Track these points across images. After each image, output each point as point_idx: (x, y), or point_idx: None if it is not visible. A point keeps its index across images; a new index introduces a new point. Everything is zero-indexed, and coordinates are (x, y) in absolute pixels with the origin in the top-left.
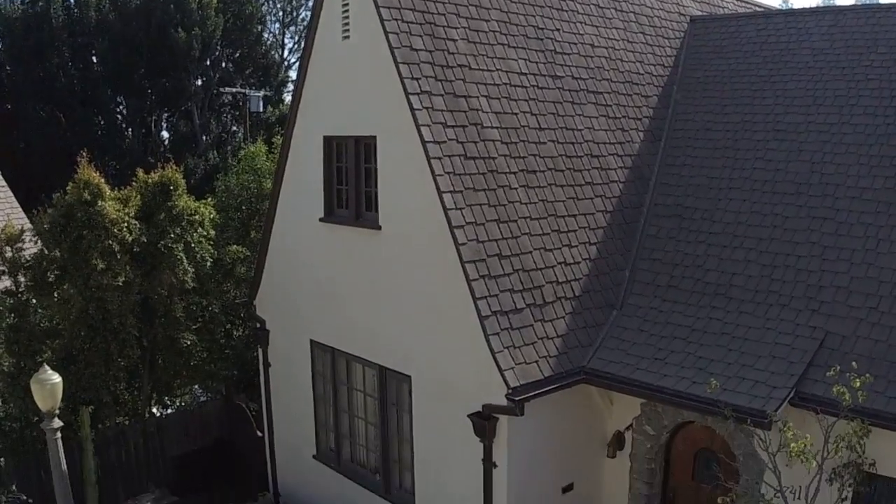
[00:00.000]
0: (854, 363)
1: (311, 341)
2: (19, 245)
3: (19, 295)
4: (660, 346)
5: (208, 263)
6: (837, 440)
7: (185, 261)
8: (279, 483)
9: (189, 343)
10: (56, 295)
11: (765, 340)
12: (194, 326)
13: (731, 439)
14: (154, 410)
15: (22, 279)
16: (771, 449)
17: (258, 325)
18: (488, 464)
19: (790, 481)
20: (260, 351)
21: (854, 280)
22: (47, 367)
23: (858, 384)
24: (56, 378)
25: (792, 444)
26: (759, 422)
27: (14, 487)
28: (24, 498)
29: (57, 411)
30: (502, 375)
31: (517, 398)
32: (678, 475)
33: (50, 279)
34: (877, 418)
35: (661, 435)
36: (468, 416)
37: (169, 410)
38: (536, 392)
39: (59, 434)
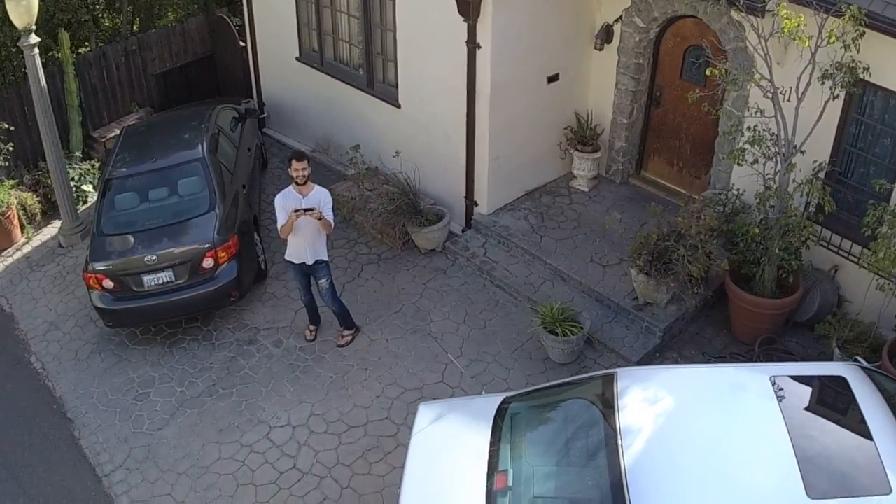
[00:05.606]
0: None
1: None
2: None
3: None
4: None
5: None
6: (832, 33)
7: None
8: (262, 90)
9: None
10: None
11: None
12: None
13: (722, 34)
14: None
15: None
16: (763, 34)
17: None
18: (472, 45)
19: (780, 81)
20: None
21: None
22: None
23: None
24: None
25: (785, 21)
26: (752, 6)
27: None
28: None
29: (33, 27)
30: None
31: None
32: (665, 73)
33: None
34: (873, 20)
35: (650, 28)
36: None
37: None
38: None
39: (36, 49)
